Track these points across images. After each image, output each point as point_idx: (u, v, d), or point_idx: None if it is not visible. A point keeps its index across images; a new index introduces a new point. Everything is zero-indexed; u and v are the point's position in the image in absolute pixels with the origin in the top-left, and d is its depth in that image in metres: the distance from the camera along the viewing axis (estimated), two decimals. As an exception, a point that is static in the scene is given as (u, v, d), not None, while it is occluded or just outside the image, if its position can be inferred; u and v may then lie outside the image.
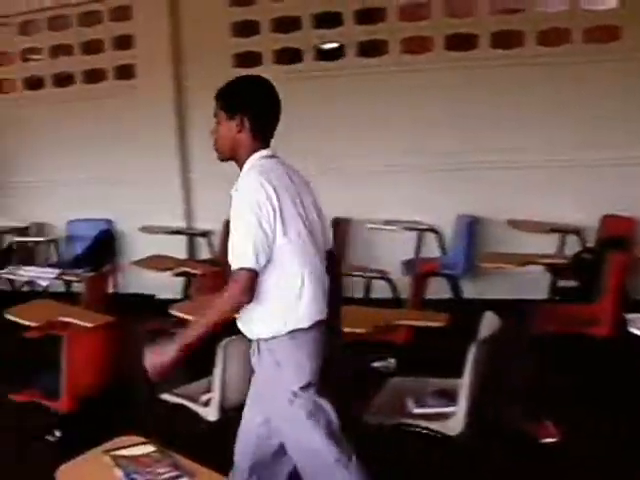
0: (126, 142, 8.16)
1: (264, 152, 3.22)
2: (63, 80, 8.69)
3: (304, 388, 3.13)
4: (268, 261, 3.07)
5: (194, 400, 4.20)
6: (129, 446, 3.07)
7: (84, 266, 7.58)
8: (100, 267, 7.65)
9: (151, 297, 7.92)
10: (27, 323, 5.06)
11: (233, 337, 3.77)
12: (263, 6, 7.77)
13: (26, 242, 8.60)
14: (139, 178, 8.07)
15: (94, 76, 8.48)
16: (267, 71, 7.50)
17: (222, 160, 3.29)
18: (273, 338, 3.13)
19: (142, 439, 3.10)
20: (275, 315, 3.13)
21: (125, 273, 7.52)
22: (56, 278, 6.70)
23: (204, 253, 7.96)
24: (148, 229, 7.82)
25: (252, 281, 3.03)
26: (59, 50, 8.70)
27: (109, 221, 8.33)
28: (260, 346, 3.18)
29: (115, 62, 8.32)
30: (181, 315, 4.91)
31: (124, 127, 8.15)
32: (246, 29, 7.85)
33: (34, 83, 8.84)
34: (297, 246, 3.14)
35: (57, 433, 4.76)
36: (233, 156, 3.26)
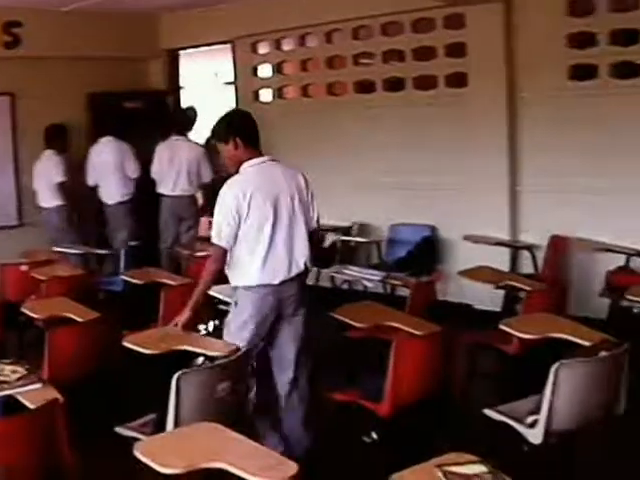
0: (453, 150, 8.16)
1: (251, 161, 4.70)
2: (393, 85, 8.81)
3: (244, 321, 4.68)
4: (236, 239, 4.62)
5: (519, 420, 4.10)
6: (461, 463, 3.02)
7: (405, 270, 7.68)
8: (420, 273, 7.70)
9: (468, 307, 7.88)
10: (355, 324, 5.15)
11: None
12: (601, 17, 7.44)
13: (349, 242, 8.80)
14: (465, 187, 8.04)
15: (424, 83, 8.53)
16: (601, 85, 7.27)
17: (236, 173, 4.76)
18: (236, 288, 4.76)
19: (474, 457, 3.03)
20: (238, 275, 4.73)
21: (445, 281, 7.49)
22: (381, 281, 6.82)
23: (526, 267, 7.79)
24: (471, 238, 7.74)
25: (220, 254, 4.68)
26: (391, 55, 8.83)
27: (432, 227, 8.34)
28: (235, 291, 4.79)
29: (446, 70, 8.30)
30: (510, 331, 4.80)
31: (452, 135, 8.15)
32: (584, 41, 7.56)
33: (365, 86, 9.04)
34: (253, 231, 4.61)
35: (374, 436, 4.81)
36: (237, 169, 4.75)
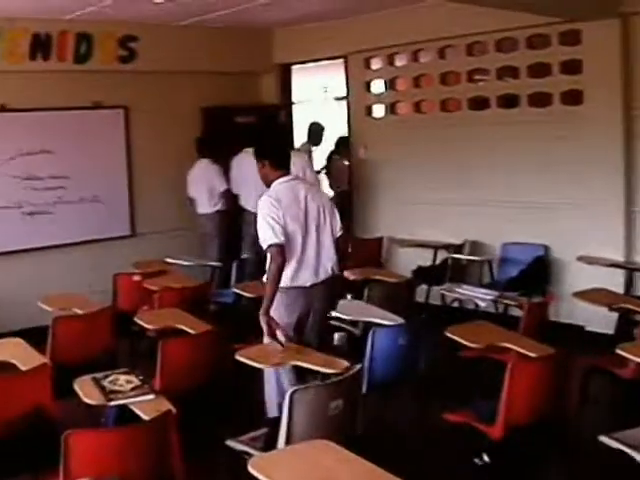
0: (567, 169, 7.98)
1: (280, 179, 5.29)
2: (507, 102, 8.70)
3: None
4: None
5: (637, 449, 3.97)
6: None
7: (516, 290, 7.56)
8: (532, 293, 7.59)
9: (580, 328, 7.71)
10: (469, 344, 5.08)
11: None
12: None
13: (460, 260, 8.72)
14: (579, 206, 7.86)
15: (539, 100, 8.38)
16: None
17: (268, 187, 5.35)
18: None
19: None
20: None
21: (557, 301, 7.34)
22: (494, 300, 6.73)
23: (642, 290, 7.60)
24: (585, 259, 7.58)
25: (277, 251, 5.03)
26: (505, 72, 8.72)
27: (545, 247, 8.17)
28: None
29: (562, 87, 8.13)
30: (628, 356, 4.67)
31: (567, 153, 7.98)
32: None
33: (479, 103, 8.95)
34: (288, 239, 5.10)
35: (485, 458, 4.73)
36: (268, 184, 5.34)
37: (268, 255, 5.07)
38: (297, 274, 5.21)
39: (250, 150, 8.91)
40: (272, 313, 5.02)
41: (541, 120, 8.27)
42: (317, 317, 5.37)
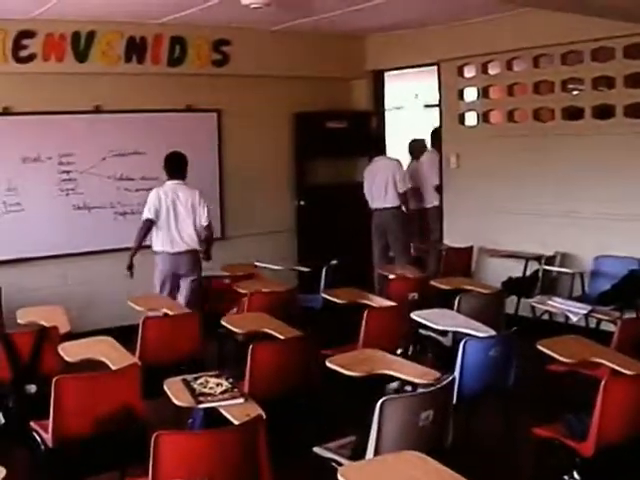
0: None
1: (169, 182, 7.89)
2: (603, 112, 8.52)
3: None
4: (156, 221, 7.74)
5: None
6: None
7: (608, 304, 7.39)
8: (625, 307, 7.42)
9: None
10: (562, 358, 4.98)
11: None
12: None
13: (551, 272, 8.58)
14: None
15: (635, 110, 8.18)
16: None
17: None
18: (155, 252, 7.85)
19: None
20: (154, 243, 7.84)
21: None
22: (586, 314, 6.60)
23: None
24: (681, 274, 7.41)
25: (147, 223, 7.75)
26: (601, 82, 8.56)
27: (639, 260, 8.00)
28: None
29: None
30: None
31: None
32: None
33: (573, 113, 8.79)
34: (160, 220, 7.72)
35: (576, 476, 4.62)
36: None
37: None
38: (163, 242, 7.78)
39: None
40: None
41: (637, 131, 8.09)
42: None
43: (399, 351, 5.77)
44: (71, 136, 8.72)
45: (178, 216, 7.72)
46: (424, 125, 12.18)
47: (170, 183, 7.82)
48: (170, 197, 7.71)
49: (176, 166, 7.87)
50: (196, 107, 9.47)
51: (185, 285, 7.84)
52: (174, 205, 7.71)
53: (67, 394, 4.34)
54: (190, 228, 7.74)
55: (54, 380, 4.33)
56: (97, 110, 8.79)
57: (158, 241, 7.76)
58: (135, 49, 8.75)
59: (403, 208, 9.82)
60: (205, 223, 7.77)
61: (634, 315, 6.89)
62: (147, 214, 7.68)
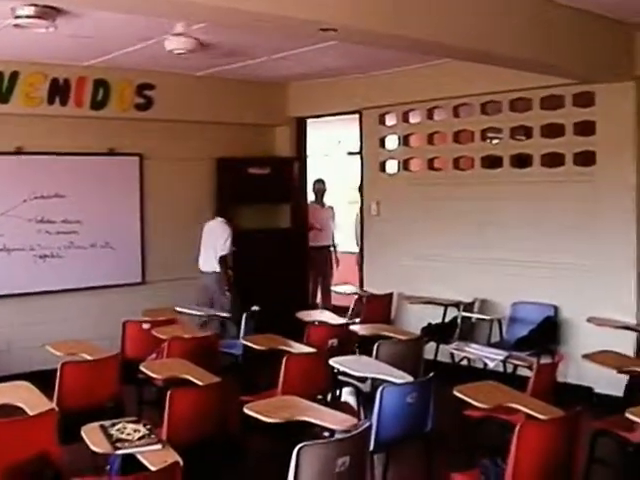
0: (579, 229, 8.02)
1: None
2: (520, 161, 8.72)
3: None
4: None
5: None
6: None
7: (525, 350, 7.53)
8: (541, 353, 7.57)
9: (589, 390, 7.67)
10: (477, 404, 5.03)
11: None
12: None
13: (470, 317, 8.70)
14: (590, 267, 7.89)
15: (552, 160, 8.38)
16: None
17: None
18: None
19: None
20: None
21: (565, 362, 7.30)
22: (503, 360, 6.70)
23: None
24: (595, 321, 7.54)
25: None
26: (518, 131, 8.79)
27: (555, 307, 8.16)
28: None
29: (575, 148, 8.14)
30: (638, 420, 4.63)
31: (579, 214, 8.04)
32: None
33: (492, 162, 8.96)
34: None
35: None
36: None
37: None
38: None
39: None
40: None
41: (554, 180, 8.31)
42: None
43: (319, 397, 5.78)
44: (-9, 177, 8.62)
45: None
46: (347, 172, 12.32)
47: None
48: None
49: None
50: (118, 151, 9.44)
51: None
52: None
53: (-19, 440, 4.25)
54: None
55: (-32, 426, 4.24)
56: (18, 152, 8.71)
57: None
58: (58, 91, 8.67)
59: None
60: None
61: (550, 360, 6.99)
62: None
